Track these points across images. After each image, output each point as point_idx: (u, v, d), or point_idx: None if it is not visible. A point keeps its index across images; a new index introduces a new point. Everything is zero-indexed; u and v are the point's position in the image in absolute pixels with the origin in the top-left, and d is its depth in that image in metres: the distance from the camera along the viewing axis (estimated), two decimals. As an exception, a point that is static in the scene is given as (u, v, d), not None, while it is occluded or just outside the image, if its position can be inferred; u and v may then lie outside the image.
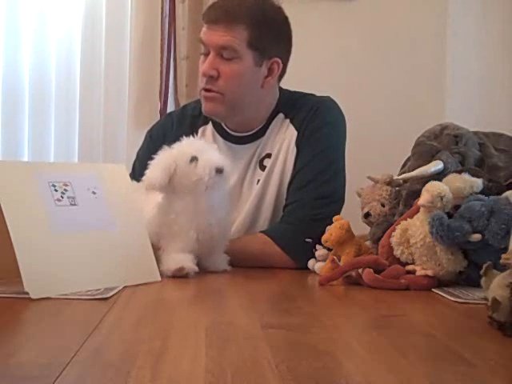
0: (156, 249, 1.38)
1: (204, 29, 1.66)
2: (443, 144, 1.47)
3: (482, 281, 1.03)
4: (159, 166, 1.40)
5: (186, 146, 1.43)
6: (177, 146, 1.44)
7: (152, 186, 1.39)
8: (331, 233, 1.40)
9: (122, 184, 1.41)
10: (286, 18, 1.70)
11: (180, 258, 1.37)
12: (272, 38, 1.67)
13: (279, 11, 1.70)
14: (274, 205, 1.70)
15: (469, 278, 1.28)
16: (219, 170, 1.39)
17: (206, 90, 1.66)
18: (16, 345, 0.84)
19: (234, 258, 1.50)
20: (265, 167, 1.72)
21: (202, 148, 1.42)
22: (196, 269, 1.38)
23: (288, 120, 1.73)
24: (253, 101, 1.70)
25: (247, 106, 1.70)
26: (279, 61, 1.68)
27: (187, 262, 1.37)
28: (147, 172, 1.42)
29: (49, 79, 2.76)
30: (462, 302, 1.14)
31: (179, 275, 1.36)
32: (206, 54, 1.66)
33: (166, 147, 1.44)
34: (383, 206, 1.51)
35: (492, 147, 1.51)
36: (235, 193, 1.72)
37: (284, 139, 1.71)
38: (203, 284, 1.35)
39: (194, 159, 1.39)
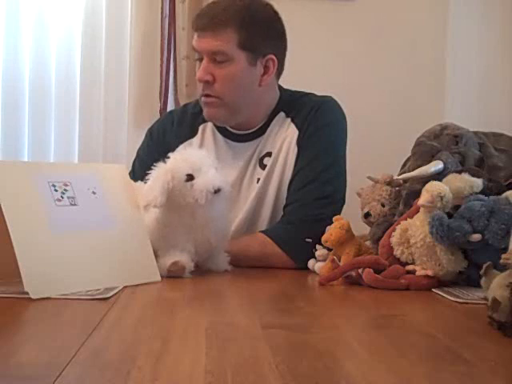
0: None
1: (195, 36, 1.67)
2: (443, 144, 1.47)
3: (482, 281, 1.03)
4: (156, 183, 1.36)
5: (181, 162, 1.38)
6: (171, 160, 1.40)
7: (151, 204, 1.36)
8: (331, 233, 1.40)
9: (122, 184, 1.41)
10: (275, 14, 1.71)
11: (175, 255, 1.36)
12: (262, 36, 1.67)
13: (267, 9, 1.70)
14: (273, 204, 1.70)
15: (469, 278, 1.28)
16: (217, 191, 1.36)
17: (205, 96, 1.67)
18: (16, 345, 0.84)
19: (233, 258, 1.50)
20: (265, 166, 1.72)
21: (198, 164, 1.38)
22: (192, 265, 1.37)
23: (289, 119, 1.73)
24: (251, 100, 1.70)
25: (246, 106, 1.70)
26: (274, 57, 1.68)
27: (182, 257, 1.36)
28: (144, 190, 1.39)
29: (49, 79, 2.76)
30: (462, 302, 1.14)
31: (176, 272, 1.35)
32: (200, 60, 1.67)
33: (160, 163, 1.40)
34: (383, 206, 1.51)
35: (492, 147, 1.51)
36: (235, 191, 1.71)
37: (285, 138, 1.71)
38: (203, 284, 1.35)
39: (190, 178, 1.36)
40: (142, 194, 1.38)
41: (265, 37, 1.67)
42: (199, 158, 1.41)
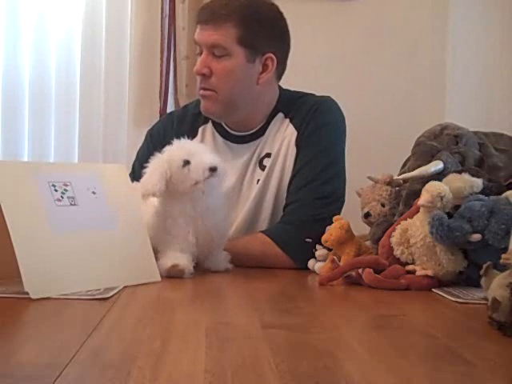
0: (154, 252, 1.38)
1: (197, 30, 1.68)
2: (443, 144, 1.47)
3: (482, 281, 1.03)
4: (154, 172, 1.39)
5: (177, 150, 1.41)
6: (167, 150, 1.42)
7: (149, 193, 1.38)
8: (331, 233, 1.40)
9: (122, 184, 1.41)
10: (279, 14, 1.71)
11: (176, 256, 1.37)
12: (264, 34, 1.67)
13: (271, 8, 1.70)
14: (273, 204, 1.70)
15: (469, 278, 1.28)
16: (213, 169, 1.37)
17: (202, 89, 1.67)
18: (16, 345, 0.84)
19: (234, 258, 1.50)
20: (264, 167, 1.72)
21: (193, 150, 1.41)
22: (191, 268, 1.38)
23: (288, 119, 1.73)
24: (248, 98, 1.70)
25: (243, 103, 1.70)
26: (273, 57, 1.68)
27: (183, 259, 1.37)
28: (143, 180, 1.41)
29: (49, 79, 2.75)
30: (462, 302, 1.14)
31: (175, 274, 1.35)
32: (201, 54, 1.67)
33: (157, 154, 1.43)
34: (383, 205, 1.51)
35: (492, 147, 1.51)
36: (235, 192, 1.72)
37: (284, 139, 1.71)
38: (203, 284, 1.35)
39: (186, 163, 1.38)
40: (140, 184, 1.40)
41: (265, 35, 1.67)
42: (193, 145, 1.45)
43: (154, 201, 1.43)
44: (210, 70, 1.65)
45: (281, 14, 1.71)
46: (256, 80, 1.69)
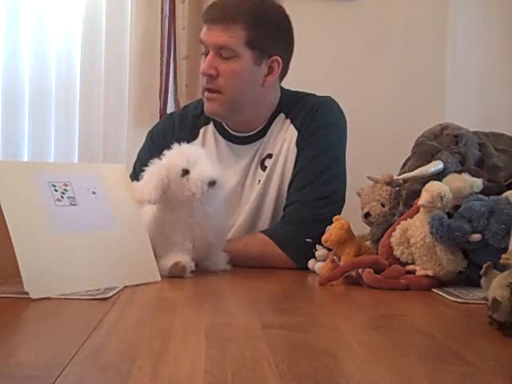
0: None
1: (204, 29, 1.67)
2: (443, 144, 1.47)
3: (482, 281, 1.03)
4: (152, 179, 1.38)
5: (177, 157, 1.40)
6: (167, 156, 1.41)
7: (145, 200, 1.37)
8: (331, 233, 1.40)
9: (122, 184, 1.41)
10: (286, 17, 1.70)
11: (176, 256, 1.37)
12: (271, 36, 1.67)
13: (279, 10, 1.70)
14: (274, 205, 1.70)
15: (469, 278, 1.28)
16: (212, 183, 1.36)
17: (207, 90, 1.66)
18: (16, 345, 0.84)
19: (234, 258, 1.50)
20: (266, 167, 1.72)
21: (193, 158, 1.39)
22: (193, 266, 1.38)
23: (289, 120, 1.73)
24: (253, 99, 1.70)
25: (248, 105, 1.70)
26: (279, 59, 1.68)
27: (183, 257, 1.37)
28: (140, 186, 1.40)
29: (49, 79, 2.76)
30: (462, 302, 1.14)
31: (177, 272, 1.35)
32: (206, 54, 1.66)
33: (156, 160, 1.42)
34: (383, 205, 1.51)
35: (492, 147, 1.51)
36: (236, 193, 1.72)
37: (285, 139, 1.71)
38: (203, 284, 1.35)
39: (185, 173, 1.37)
40: (137, 191, 1.39)
41: (273, 38, 1.67)
42: (194, 152, 1.42)
43: (152, 206, 1.43)
44: (217, 71, 1.64)
45: (287, 16, 1.70)
46: (261, 82, 1.68)
